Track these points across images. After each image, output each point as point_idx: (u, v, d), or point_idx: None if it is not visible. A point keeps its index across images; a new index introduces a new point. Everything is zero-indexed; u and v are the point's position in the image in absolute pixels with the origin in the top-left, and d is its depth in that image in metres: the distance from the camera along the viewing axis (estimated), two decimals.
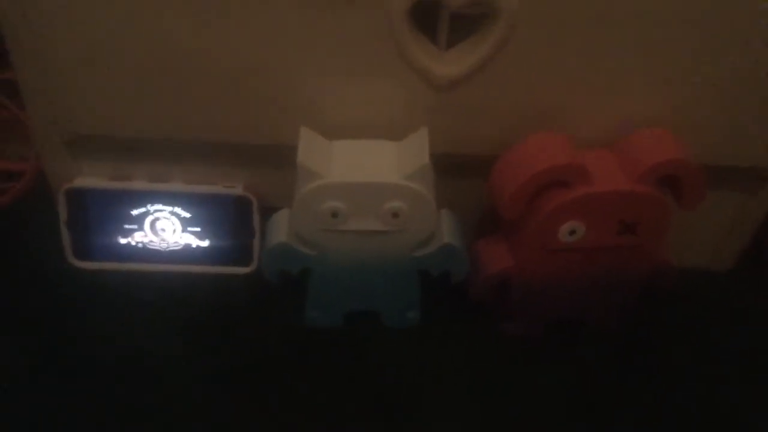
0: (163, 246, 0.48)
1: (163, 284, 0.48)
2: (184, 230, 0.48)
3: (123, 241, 0.48)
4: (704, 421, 0.43)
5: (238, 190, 0.46)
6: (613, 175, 0.39)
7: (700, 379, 0.45)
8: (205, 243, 0.48)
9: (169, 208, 0.47)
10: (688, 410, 0.43)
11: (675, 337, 0.48)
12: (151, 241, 0.48)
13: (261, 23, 0.39)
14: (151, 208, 0.47)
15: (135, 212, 0.47)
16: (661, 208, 0.39)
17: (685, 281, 0.46)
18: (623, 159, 0.40)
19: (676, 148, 0.39)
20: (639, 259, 0.42)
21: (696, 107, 0.42)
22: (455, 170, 0.44)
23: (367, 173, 0.40)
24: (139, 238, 0.48)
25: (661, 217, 0.40)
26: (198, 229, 0.48)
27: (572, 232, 0.40)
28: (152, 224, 0.48)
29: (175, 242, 0.48)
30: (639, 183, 0.39)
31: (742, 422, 0.43)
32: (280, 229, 0.43)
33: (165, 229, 0.48)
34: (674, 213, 0.40)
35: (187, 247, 0.48)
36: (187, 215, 0.47)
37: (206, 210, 0.47)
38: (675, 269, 0.44)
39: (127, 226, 0.48)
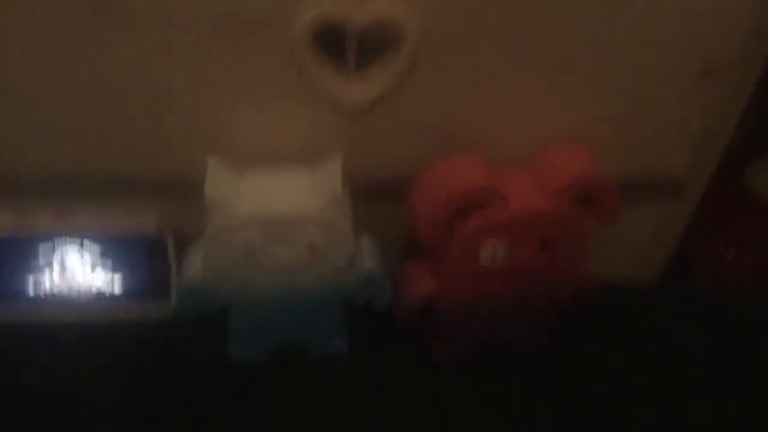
0: (73, 290, 0.46)
1: (77, 330, 0.46)
2: (94, 271, 0.46)
3: (28, 289, 0.46)
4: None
5: (150, 224, 0.44)
6: (528, 194, 0.39)
7: (628, 391, 0.45)
8: (118, 283, 0.46)
9: (78, 247, 0.45)
10: (616, 424, 0.43)
11: (602, 351, 0.47)
12: (61, 282, 0.46)
13: (163, 52, 0.38)
14: (58, 246, 0.45)
15: (40, 258, 0.45)
16: (576, 225, 0.39)
17: (611, 294, 0.46)
18: (538, 176, 0.40)
19: (589, 164, 0.39)
20: (560, 276, 0.42)
21: (611, 122, 0.42)
22: (374, 194, 0.43)
23: (279, 204, 0.39)
24: (47, 278, 0.46)
25: (577, 234, 0.40)
26: (110, 269, 0.46)
27: (493, 254, 0.40)
28: (60, 264, 0.45)
29: (87, 282, 0.46)
30: (554, 202, 0.38)
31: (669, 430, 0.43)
32: (195, 265, 0.41)
33: (74, 272, 0.45)
34: (597, 227, 0.40)
35: (100, 289, 0.46)
36: (98, 253, 0.45)
37: (118, 247, 0.45)
38: (595, 284, 0.44)
39: (31, 274, 0.45)
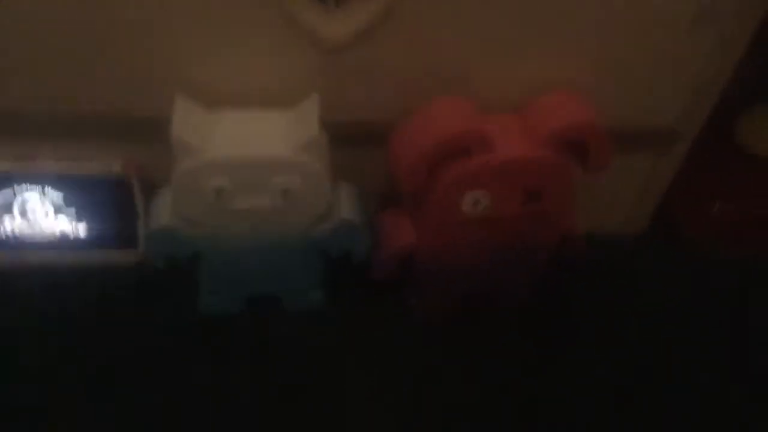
0: (36, 232, 0.44)
1: (40, 274, 0.44)
2: (58, 214, 0.43)
3: None
4: (619, 388, 0.43)
5: (116, 167, 0.42)
6: (515, 141, 0.37)
7: (614, 344, 0.45)
8: (83, 227, 0.44)
9: (39, 190, 0.43)
10: (603, 378, 0.43)
11: (587, 304, 0.47)
12: (22, 228, 0.44)
13: None
14: (18, 190, 0.42)
15: (0, 196, 0.42)
16: (564, 174, 0.38)
17: (599, 246, 0.45)
18: (527, 124, 0.38)
19: (581, 111, 0.38)
20: (545, 227, 0.41)
21: (603, 69, 0.41)
22: (353, 138, 0.41)
23: (252, 146, 0.37)
24: (8, 224, 0.44)
25: (565, 183, 0.38)
26: (74, 213, 0.44)
27: (476, 203, 0.38)
28: (21, 208, 0.43)
29: (49, 227, 0.44)
30: (542, 148, 0.37)
31: (655, 386, 0.43)
32: (164, 210, 0.39)
33: (36, 213, 0.43)
34: (583, 178, 0.39)
35: (63, 232, 0.44)
36: (61, 197, 0.43)
37: (82, 191, 0.43)
38: (582, 236, 0.42)
39: None
